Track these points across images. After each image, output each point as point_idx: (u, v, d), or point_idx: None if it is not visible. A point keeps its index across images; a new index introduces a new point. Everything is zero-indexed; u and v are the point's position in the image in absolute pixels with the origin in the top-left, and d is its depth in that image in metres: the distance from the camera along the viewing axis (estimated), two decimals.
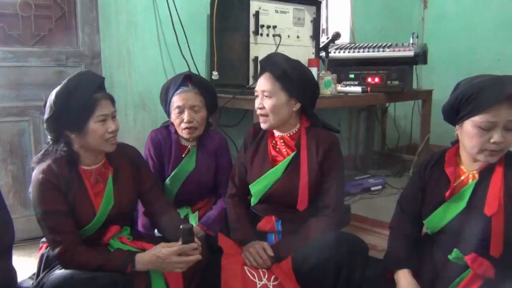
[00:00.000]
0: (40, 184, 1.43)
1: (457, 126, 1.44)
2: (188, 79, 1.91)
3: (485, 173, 1.42)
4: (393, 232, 1.61)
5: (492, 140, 1.34)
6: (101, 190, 1.53)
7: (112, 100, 1.52)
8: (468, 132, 1.39)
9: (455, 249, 1.42)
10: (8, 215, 1.46)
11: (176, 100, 1.88)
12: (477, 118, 1.35)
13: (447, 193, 1.45)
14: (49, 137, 1.51)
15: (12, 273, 1.47)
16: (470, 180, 1.45)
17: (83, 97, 1.43)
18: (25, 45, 2.31)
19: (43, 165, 1.46)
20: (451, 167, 1.47)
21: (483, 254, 1.38)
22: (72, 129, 1.46)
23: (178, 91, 1.89)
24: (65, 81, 1.45)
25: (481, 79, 1.38)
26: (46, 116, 1.46)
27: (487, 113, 1.33)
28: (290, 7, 2.66)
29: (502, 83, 1.32)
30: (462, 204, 1.42)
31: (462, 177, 1.47)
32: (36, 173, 1.46)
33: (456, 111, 1.42)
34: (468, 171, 1.46)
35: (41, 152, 1.52)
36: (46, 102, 1.47)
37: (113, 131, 1.49)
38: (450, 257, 1.43)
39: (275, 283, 1.55)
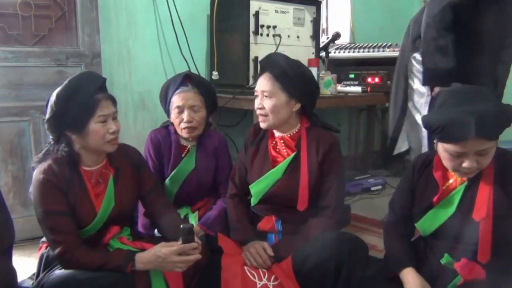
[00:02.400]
0: (40, 184, 1.43)
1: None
2: (187, 79, 1.91)
3: (474, 176, 1.40)
4: (387, 233, 1.60)
5: (463, 165, 1.33)
6: (102, 191, 1.53)
7: (113, 101, 1.52)
8: (441, 153, 1.40)
9: (445, 254, 1.42)
10: (8, 215, 1.46)
11: (176, 100, 1.88)
12: (446, 146, 1.34)
13: (435, 198, 1.45)
14: (50, 137, 1.51)
15: (12, 273, 1.47)
16: (458, 183, 1.44)
17: (84, 97, 1.43)
18: (25, 45, 2.31)
19: (44, 165, 1.46)
20: (439, 171, 1.47)
21: (474, 258, 1.38)
22: (73, 130, 1.46)
23: (178, 91, 1.89)
24: (66, 81, 1.45)
25: (446, 111, 1.33)
26: (47, 116, 1.46)
27: (455, 145, 1.31)
28: (290, 7, 2.66)
29: (465, 124, 1.26)
30: (452, 209, 1.42)
31: (451, 181, 1.46)
32: (36, 173, 1.46)
33: (429, 133, 1.42)
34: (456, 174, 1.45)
35: (42, 152, 1.52)
36: (48, 102, 1.48)
37: (114, 131, 1.49)
38: (441, 261, 1.43)
39: (275, 283, 1.55)
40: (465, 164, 1.32)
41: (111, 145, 1.51)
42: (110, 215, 1.52)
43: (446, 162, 1.39)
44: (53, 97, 1.44)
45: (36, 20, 2.32)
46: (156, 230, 1.80)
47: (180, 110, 1.87)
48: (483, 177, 1.39)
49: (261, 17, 2.52)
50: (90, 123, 1.45)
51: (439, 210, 1.44)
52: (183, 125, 1.88)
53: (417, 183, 1.52)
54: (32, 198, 1.45)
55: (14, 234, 1.47)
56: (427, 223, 1.47)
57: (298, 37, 2.72)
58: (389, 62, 3.09)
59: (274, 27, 2.60)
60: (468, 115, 1.27)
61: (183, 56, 2.74)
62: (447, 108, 1.34)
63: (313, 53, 2.80)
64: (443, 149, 1.37)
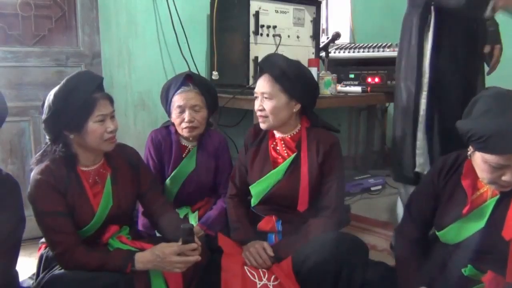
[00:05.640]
0: (38, 185, 1.43)
1: (470, 147, 1.35)
2: (189, 78, 1.91)
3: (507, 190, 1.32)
4: (400, 240, 1.55)
5: (503, 178, 1.25)
6: (100, 190, 1.53)
7: (110, 100, 1.52)
8: (479, 164, 1.30)
9: (470, 266, 1.35)
10: (21, 215, 1.41)
11: (177, 100, 1.88)
12: (487, 157, 1.25)
13: (465, 210, 1.36)
14: (47, 137, 1.51)
15: (14, 273, 1.45)
16: (489, 195, 1.36)
17: (82, 97, 1.42)
18: (25, 45, 2.31)
19: (41, 166, 1.46)
20: (468, 179, 1.38)
21: (499, 272, 1.31)
22: (71, 129, 1.46)
23: (179, 91, 1.89)
24: (63, 81, 1.45)
25: (492, 118, 1.24)
26: (44, 116, 1.46)
27: (498, 156, 1.22)
28: (290, 7, 2.66)
29: None
30: (481, 223, 1.34)
31: (481, 190, 1.38)
32: (34, 174, 1.46)
33: (465, 140, 1.32)
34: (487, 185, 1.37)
35: (39, 153, 1.52)
36: (44, 102, 1.47)
37: (112, 131, 1.49)
38: (464, 272, 1.36)
39: (275, 283, 1.55)
40: (506, 178, 1.24)
41: (109, 144, 1.51)
42: (108, 215, 1.52)
43: (484, 174, 1.29)
44: (50, 97, 1.44)
45: (36, 20, 2.31)
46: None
47: (181, 110, 1.87)
48: None
49: (261, 17, 2.52)
50: (88, 123, 1.45)
51: (467, 222, 1.36)
52: (184, 124, 1.88)
53: (443, 190, 1.44)
54: (30, 199, 1.45)
55: (23, 231, 1.44)
56: (452, 235, 1.39)
57: (298, 37, 2.71)
58: (389, 62, 3.08)
59: (274, 27, 2.59)
60: None
61: (183, 56, 2.74)
62: (492, 117, 1.24)
63: (313, 53, 2.80)
64: (482, 159, 1.27)
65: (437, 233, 1.45)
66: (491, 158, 1.24)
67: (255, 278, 1.55)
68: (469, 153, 1.36)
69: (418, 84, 1.96)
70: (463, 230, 1.37)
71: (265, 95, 1.69)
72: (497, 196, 1.34)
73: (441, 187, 1.45)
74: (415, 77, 1.96)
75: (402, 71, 2.05)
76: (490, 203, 1.35)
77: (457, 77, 1.93)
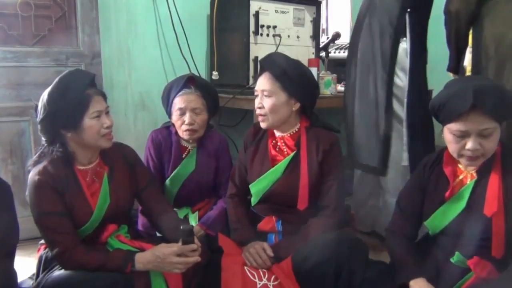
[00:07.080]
0: (36, 185, 1.43)
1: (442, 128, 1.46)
2: (191, 81, 1.91)
3: (483, 171, 1.41)
4: (393, 237, 1.58)
5: (466, 147, 1.35)
6: (97, 189, 1.53)
7: (104, 96, 1.53)
8: (446, 137, 1.42)
9: (457, 253, 1.41)
10: (14, 216, 1.42)
11: (178, 102, 1.88)
12: (450, 126, 1.38)
13: (447, 193, 1.45)
14: (43, 138, 1.51)
15: (13, 275, 1.45)
16: (468, 180, 1.45)
17: (76, 94, 1.43)
18: (25, 45, 2.31)
19: (39, 167, 1.46)
20: (449, 166, 1.48)
21: (484, 255, 1.37)
22: (68, 128, 1.46)
23: (180, 93, 1.89)
24: (56, 80, 1.46)
25: (449, 88, 1.41)
26: (40, 117, 1.46)
27: (457, 122, 1.35)
28: (290, 7, 2.66)
29: (464, 94, 1.32)
30: (462, 205, 1.42)
31: (461, 176, 1.46)
32: (32, 175, 1.46)
33: (435, 117, 1.45)
34: (466, 170, 1.46)
35: (37, 154, 1.52)
36: (37, 104, 1.48)
37: (108, 126, 1.49)
38: (452, 260, 1.42)
39: (275, 283, 1.55)
40: (468, 145, 1.34)
41: (107, 140, 1.51)
42: (106, 213, 1.52)
43: (451, 146, 1.41)
44: (44, 97, 1.45)
45: (36, 20, 2.32)
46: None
47: (182, 112, 1.87)
48: (492, 172, 1.41)
49: (261, 17, 2.52)
50: (85, 119, 1.45)
51: (449, 206, 1.45)
52: (184, 127, 1.88)
53: (428, 181, 1.53)
54: (29, 200, 1.45)
55: (18, 237, 1.45)
56: (437, 220, 1.47)
57: (298, 37, 2.71)
58: None
59: (274, 27, 2.60)
60: (466, 88, 1.33)
61: (183, 56, 2.74)
62: (447, 88, 1.42)
63: (313, 53, 2.80)
64: (448, 131, 1.39)
65: (425, 223, 1.51)
66: (452, 126, 1.36)
67: (255, 278, 1.55)
68: (442, 135, 1.46)
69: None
70: (446, 214, 1.45)
71: (265, 93, 1.69)
72: (475, 179, 1.43)
73: (426, 179, 1.54)
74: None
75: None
76: (469, 185, 1.43)
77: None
